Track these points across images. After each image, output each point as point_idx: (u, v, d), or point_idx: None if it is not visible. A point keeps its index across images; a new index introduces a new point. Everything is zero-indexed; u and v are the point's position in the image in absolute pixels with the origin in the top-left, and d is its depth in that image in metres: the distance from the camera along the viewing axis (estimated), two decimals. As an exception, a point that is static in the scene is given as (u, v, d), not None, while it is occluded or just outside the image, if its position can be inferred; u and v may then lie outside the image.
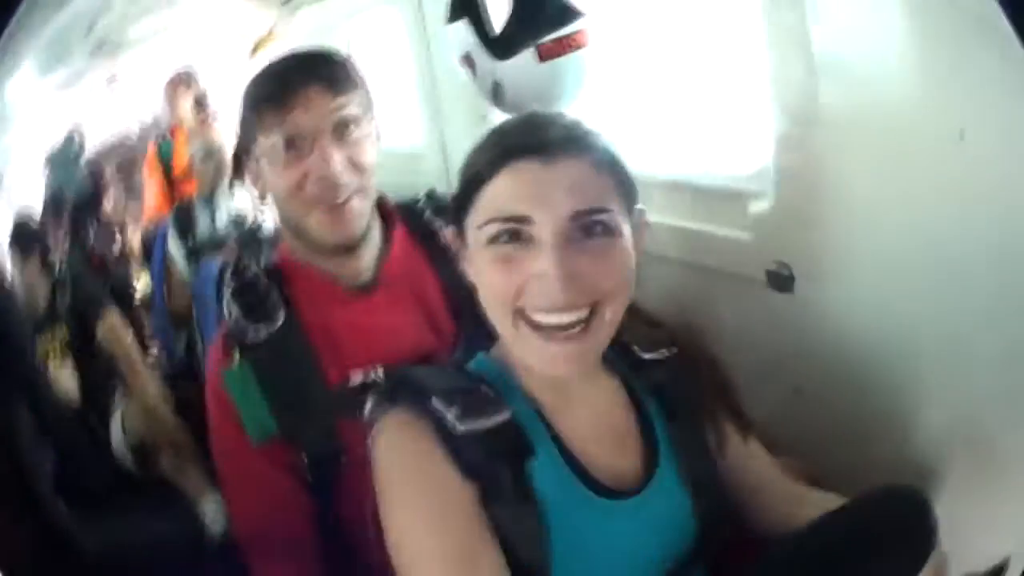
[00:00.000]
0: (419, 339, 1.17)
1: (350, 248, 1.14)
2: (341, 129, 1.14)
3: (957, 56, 1.00)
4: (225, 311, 1.17)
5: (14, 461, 1.42)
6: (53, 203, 2.05)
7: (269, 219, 1.53)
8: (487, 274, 0.90)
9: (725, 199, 1.37)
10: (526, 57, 1.42)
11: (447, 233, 1.00)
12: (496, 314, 0.91)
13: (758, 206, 1.31)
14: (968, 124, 0.99)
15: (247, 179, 1.22)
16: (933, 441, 1.18)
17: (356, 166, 1.14)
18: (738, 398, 1.09)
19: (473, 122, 1.65)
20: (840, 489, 1.09)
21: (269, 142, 1.14)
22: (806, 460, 1.18)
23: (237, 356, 1.14)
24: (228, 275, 1.18)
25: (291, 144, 1.13)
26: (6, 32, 1.39)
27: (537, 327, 0.87)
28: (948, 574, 0.94)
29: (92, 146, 2.24)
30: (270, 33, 2.33)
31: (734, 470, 1.02)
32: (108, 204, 2.22)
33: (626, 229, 0.89)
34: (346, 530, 1.12)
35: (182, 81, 2.26)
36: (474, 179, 0.91)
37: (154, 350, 1.88)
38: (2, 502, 1.35)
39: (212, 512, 1.44)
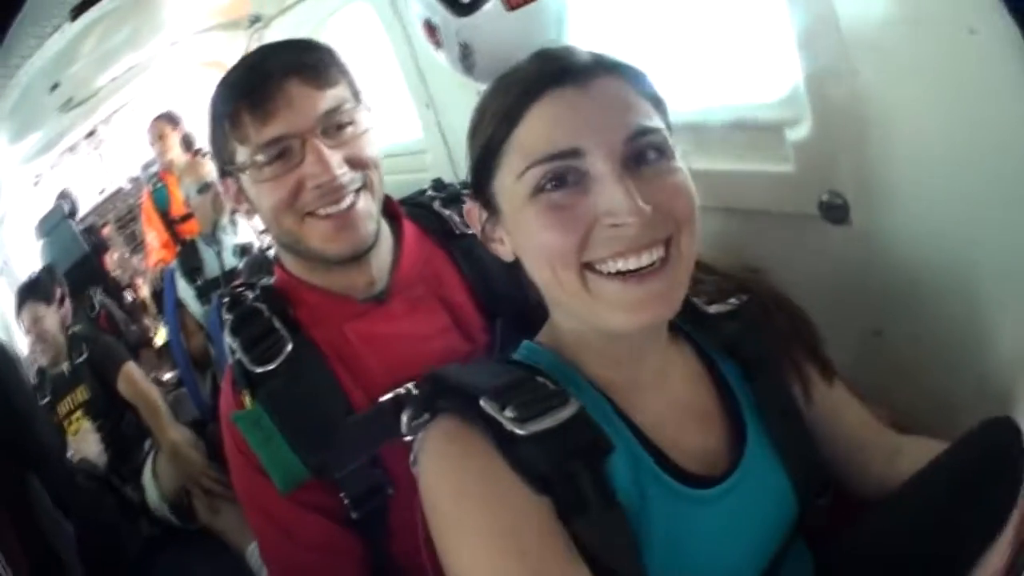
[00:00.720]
0: (449, 343, 1.01)
1: (360, 257, 1.02)
2: (333, 125, 0.96)
3: None
4: (227, 350, 1.02)
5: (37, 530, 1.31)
6: (53, 268, 2.01)
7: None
8: (538, 232, 0.75)
9: (759, 131, 1.20)
10: (493, 9, 1.22)
11: (467, 210, 0.86)
12: (557, 278, 0.76)
13: (796, 133, 1.15)
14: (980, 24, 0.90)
15: (229, 198, 1.07)
16: (1012, 363, 1.06)
17: (356, 163, 0.97)
18: (819, 342, 0.95)
19: (469, 102, 1.56)
20: (928, 428, 0.99)
21: (250, 152, 0.95)
22: (893, 403, 1.06)
23: (248, 397, 0.98)
24: (224, 309, 1.06)
25: (278, 151, 0.95)
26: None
27: (612, 276, 0.74)
28: None
29: (85, 207, 2.23)
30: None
31: (825, 424, 0.89)
32: (112, 261, 2.22)
33: (677, 150, 0.77)
34: (400, 568, 0.99)
35: (168, 123, 2.23)
36: (498, 130, 0.77)
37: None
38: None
39: (258, 560, 1.38)
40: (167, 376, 1.97)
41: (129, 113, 2.23)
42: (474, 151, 0.81)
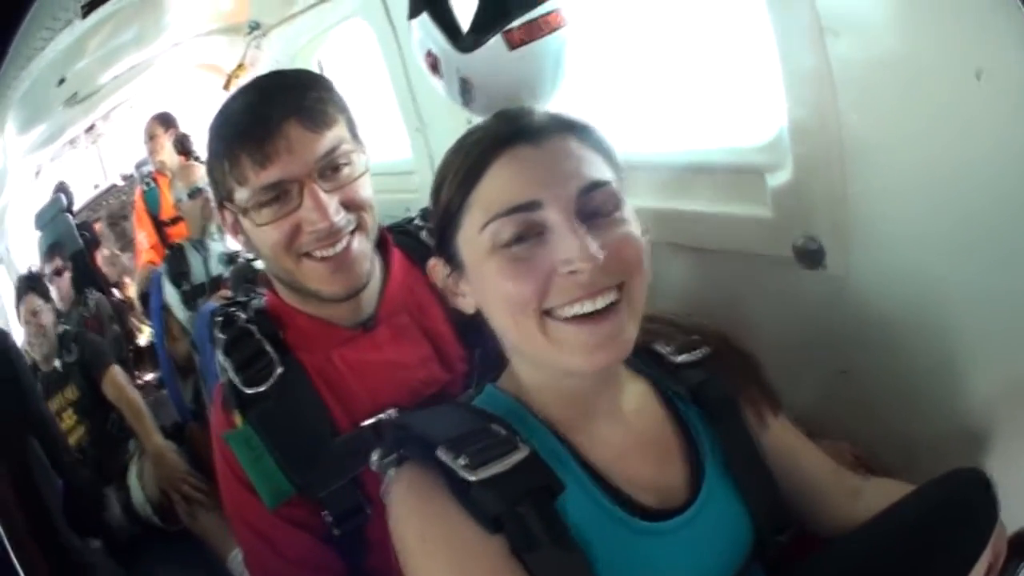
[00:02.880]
0: (429, 372, 1.06)
1: (353, 292, 1.03)
2: (330, 169, 0.99)
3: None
4: (218, 368, 1.05)
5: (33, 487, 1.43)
6: (49, 256, 2.02)
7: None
8: (500, 283, 0.80)
9: (740, 176, 1.25)
10: (495, 47, 1.25)
11: (431, 267, 0.90)
12: (518, 326, 0.81)
13: (776, 179, 1.20)
14: (985, 65, 0.92)
15: (225, 229, 1.09)
16: (982, 406, 1.11)
17: (352, 206, 1.01)
18: (769, 381, 1.01)
19: (458, 130, 1.56)
20: (894, 467, 1.05)
21: (249, 195, 0.99)
22: (856, 440, 1.12)
23: (238, 417, 1.02)
24: (217, 328, 1.07)
25: (276, 195, 0.98)
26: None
27: (569, 321, 0.79)
28: (1004, 543, 0.88)
29: (80, 202, 2.24)
30: (241, 65, 2.31)
31: (783, 465, 0.95)
32: (103, 257, 2.21)
33: (632, 212, 0.83)
34: None
35: (161, 124, 2.23)
36: (461, 186, 0.82)
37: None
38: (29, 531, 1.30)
39: (239, 565, 1.37)
40: (148, 377, 1.97)
41: (127, 111, 2.23)
42: (438, 209, 0.87)
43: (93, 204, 2.29)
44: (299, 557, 1.03)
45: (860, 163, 1.10)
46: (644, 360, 0.92)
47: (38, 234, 2.08)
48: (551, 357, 0.81)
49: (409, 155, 1.84)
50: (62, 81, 1.90)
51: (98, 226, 2.27)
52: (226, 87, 2.40)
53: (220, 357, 1.04)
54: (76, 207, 2.21)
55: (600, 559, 0.78)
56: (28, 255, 1.98)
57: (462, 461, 0.76)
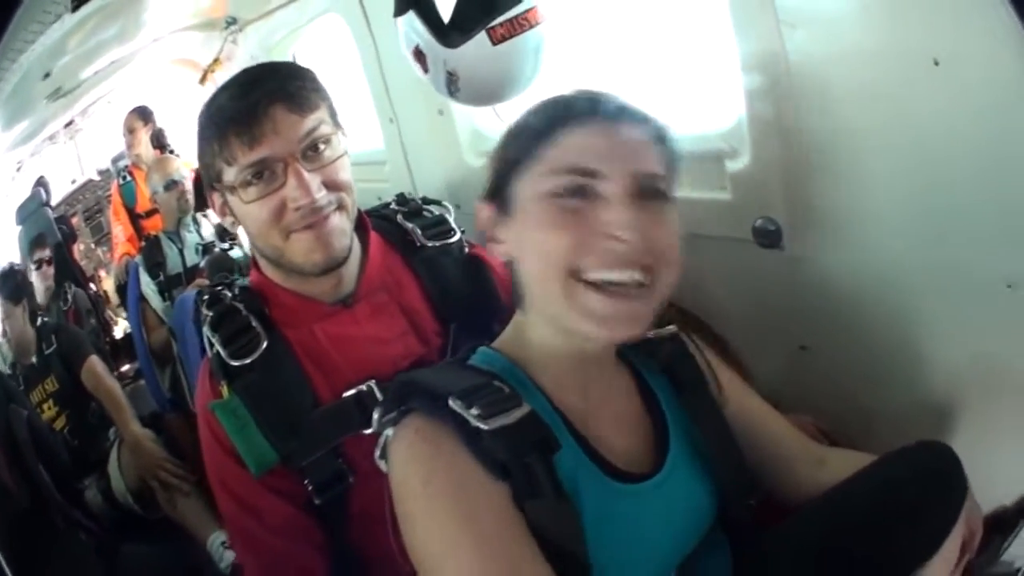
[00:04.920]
0: (407, 346, 1.07)
1: (333, 265, 1.06)
2: (313, 150, 1.01)
3: None
4: (206, 343, 1.07)
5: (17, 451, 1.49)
6: (37, 245, 2.06)
7: (237, 246, 1.48)
8: (543, 230, 0.81)
9: (701, 161, 1.28)
10: (479, 42, 1.31)
11: (478, 208, 0.91)
12: (546, 278, 0.81)
13: (735, 164, 1.24)
14: (942, 52, 0.93)
15: (215, 211, 1.11)
16: (946, 380, 1.13)
17: (334, 185, 1.02)
18: (741, 363, 1.07)
19: (430, 120, 1.61)
20: (857, 441, 1.06)
21: (237, 173, 1.00)
22: (819, 415, 1.14)
23: (225, 388, 1.02)
24: (204, 306, 1.09)
25: (262, 173, 1.00)
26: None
27: (596, 286, 0.79)
28: (979, 522, 0.89)
29: (58, 196, 2.29)
30: (216, 60, 2.33)
31: (749, 434, 0.95)
32: (79, 251, 2.28)
33: (674, 200, 0.84)
34: (359, 553, 1.04)
35: (140, 118, 2.30)
36: (532, 136, 0.83)
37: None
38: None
39: (218, 549, 1.45)
40: (125, 367, 1.99)
41: (105, 106, 2.29)
42: (505, 156, 0.88)
43: (70, 199, 2.35)
44: (281, 525, 1.02)
45: (817, 148, 1.15)
46: None
47: (19, 228, 2.11)
48: (567, 318, 0.82)
49: (381, 146, 1.92)
50: (47, 75, 1.92)
51: (75, 220, 2.33)
52: (202, 82, 2.46)
53: (207, 332, 1.05)
54: (54, 201, 2.26)
55: (585, 513, 0.80)
56: (8, 249, 2.00)
57: (475, 411, 0.77)
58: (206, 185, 1.07)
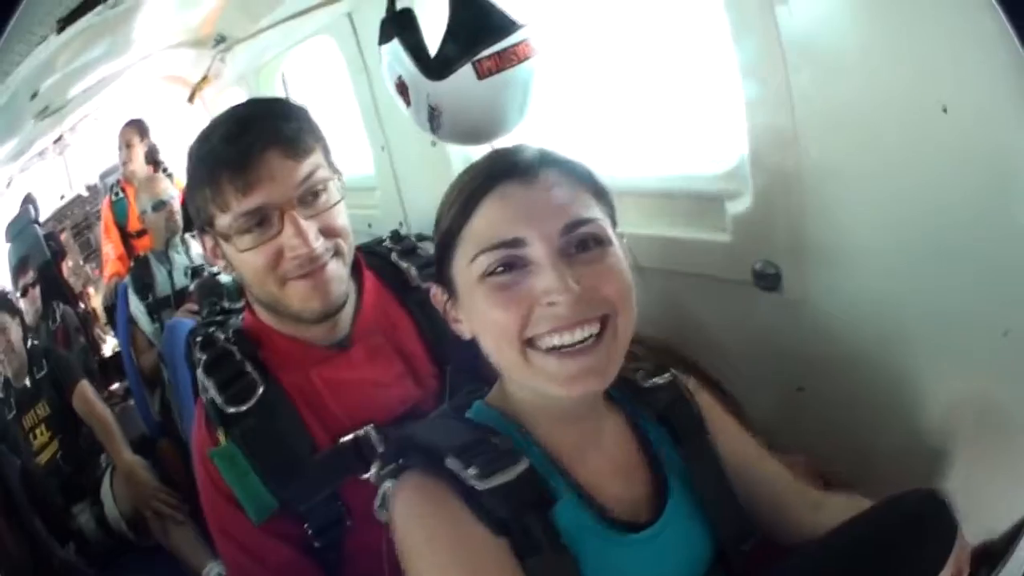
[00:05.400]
0: (403, 389, 1.10)
1: (331, 313, 1.07)
2: (310, 197, 1.02)
3: (935, 32, 0.95)
4: (200, 387, 1.08)
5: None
6: (21, 269, 2.03)
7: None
8: (487, 311, 0.83)
9: (701, 202, 1.30)
10: (464, 76, 1.27)
11: (433, 294, 0.93)
12: (504, 352, 0.84)
13: (736, 206, 1.24)
14: (950, 99, 0.93)
15: (205, 254, 1.10)
16: (942, 421, 1.14)
17: (331, 232, 1.04)
18: (741, 410, 1.06)
19: (422, 149, 1.62)
20: (854, 482, 1.06)
21: (232, 221, 1.01)
22: (814, 455, 1.15)
23: (222, 435, 1.05)
24: (197, 348, 1.09)
25: (257, 220, 1.00)
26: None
27: (550, 352, 0.82)
28: (967, 560, 0.89)
29: (46, 212, 2.25)
30: (205, 78, 2.31)
31: (745, 479, 0.97)
32: (67, 268, 2.22)
33: (615, 239, 0.86)
34: None
35: (137, 132, 2.26)
36: (455, 221, 0.86)
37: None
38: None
39: None
40: (115, 386, 1.99)
41: (93, 122, 2.25)
42: (436, 239, 0.90)
43: (59, 215, 2.30)
44: (282, 568, 1.06)
45: (819, 192, 1.15)
46: (617, 386, 0.94)
47: (7, 246, 2.08)
48: (533, 383, 0.85)
49: (371, 171, 1.90)
50: (35, 95, 1.91)
51: (63, 236, 2.29)
52: (190, 100, 2.44)
53: (202, 376, 1.08)
54: (43, 218, 2.22)
55: (585, 565, 0.82)
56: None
57: (472, 471, 0.80)
58: (196, 227, 1.07)
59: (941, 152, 0.98)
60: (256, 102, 1.12)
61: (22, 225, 2.13)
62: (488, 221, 0.82)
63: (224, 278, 1.55)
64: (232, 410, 1.03)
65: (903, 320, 1.10)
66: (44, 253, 2.15)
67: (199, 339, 1.12)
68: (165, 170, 2.17)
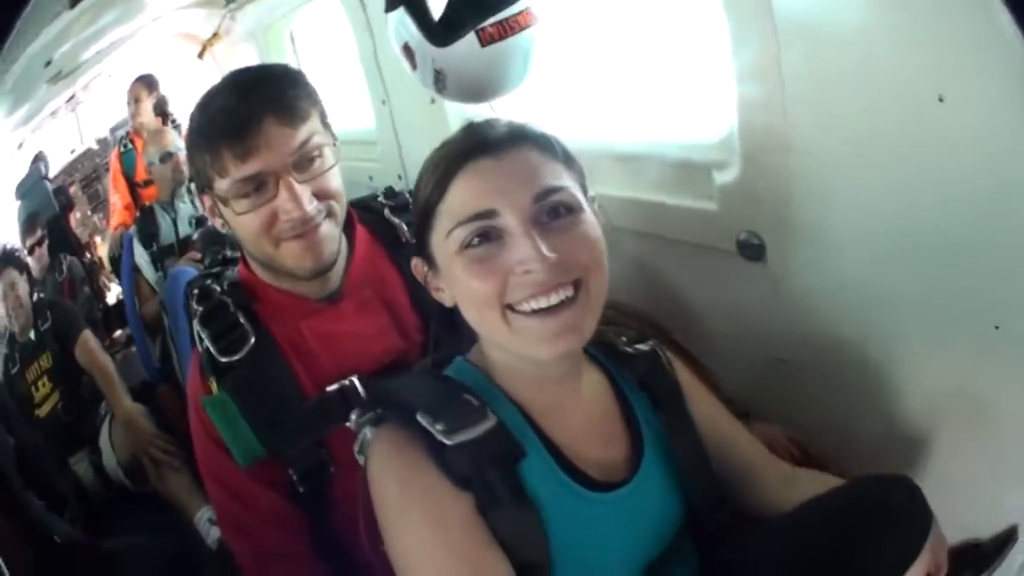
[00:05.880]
0: (389, 342, 1.13)
1: (322, 271, 1.11)
2: (305, 162, 1.05)
3: (932, 15, 0.95)
4: (196, 337, 1.12)
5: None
6: (29, 228, 2.08)
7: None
8: (466, 281, 0.87)
9: (690, 170, 1.34)
10: (468, 43, 1.33)
11: (414, 265, 0.97)
12: (485, 318, 0.88)
13: (723, 176, 1.27)
14: (947, 88, 0.94)
15: (205, 212, 1.14)
16: (925, 407, 1.17)
17: (324, 195, 1.07)
18: (716, 381, 1.10)
19: (422, 104, 1.67)
20: (831, 455, 1.12)
21: (229, 185, 1.04)
22: (793, 427, 1.19)
23: (214, 384, 1.08)
24: (194, 300, 1.14)
25: (254, 185, 1.04)
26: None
27: (530, 314, 0.85)
28: (944, 555, 0.91)
29: (57, 167, 2.29)
30: (215, 35, 2.36)
31: (721, 450, 1.01)
32: (75, 219, 2.28)
33: (585, 205, 0.89)
34: (339, 537, 1.10)
35: (145, 87, 2.31)
36: (431, 197, 0.89)
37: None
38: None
39: (205, 524, 1.51)
40: (117, 333, 2.05)
41: (107, 79, 2.30)
42: (415, 214, 0.94)
43: (69, 168, 2.34)
44: (267, 512, 1.09)
45: (809, 169, 1.15)
46: (598, 349, 0.99)
47: (18, 204, 2.13)
48: (515, 346, 0.88)
49: (372, 125, 1.96)
50: (48, 63, 1.94)
51: (72, 189, 2.33)
52: (200, 56, 2.49)
53: (197, 327, 1.11)
54: (53, 172, 2.26)
55: (551, 520, 0.85)
56: (8, 227, 2.02)
57: (440, 426, 0.83)
58: (197, 187, 1.12)
59: (936, 140, 0.99)
60: (254, 69, 1.13)
61: (31, 182, 2.18)
62: (462, 196, 0.86)
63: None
64: (225, 360, 1.07)
65: (891, 303, 1.12)
66: (53, 207, 2.20)
67: (196, 291, 1.16)
68: (174, 122, 2.24)
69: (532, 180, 0.84)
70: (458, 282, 0.87)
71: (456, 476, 0.83)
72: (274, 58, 2.40)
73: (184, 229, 2.03)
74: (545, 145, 0.88)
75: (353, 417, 0.91)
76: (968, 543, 1.04)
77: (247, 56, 2.45)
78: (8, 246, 1.92)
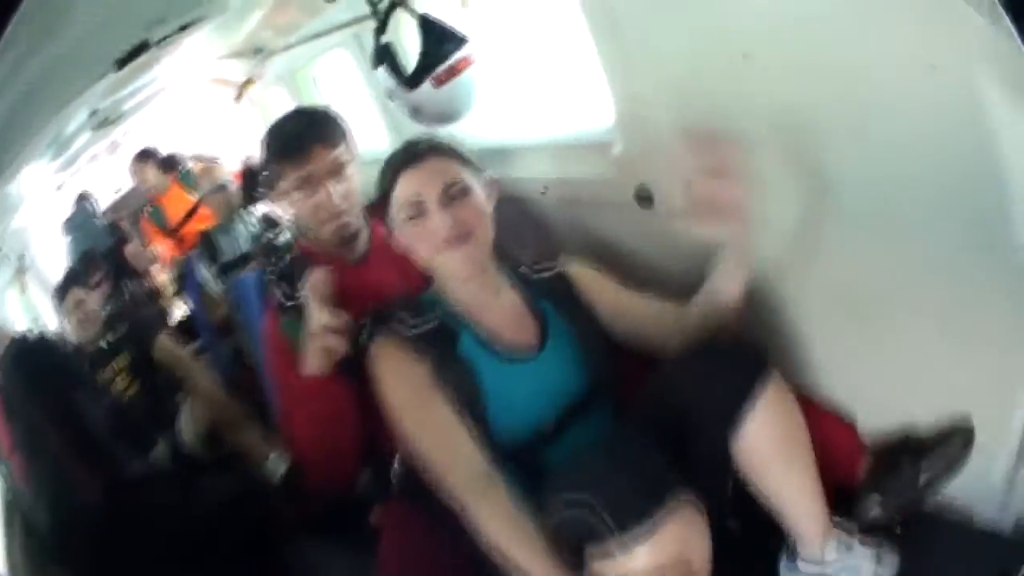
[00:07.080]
0: (397, 287, 1.50)
1: (349, 240, 1.58)
2: (338, 172, 1.54)
3: None
4: (271, 293, 1.54)
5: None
6: (85, 259, 2.37)
7: (280, 235, 1.89)
8: (410, 240, 1.33)
9: (594, 149, 1.74)
10: (427, 86, 1.88)
11: (383, 231, 1.43)
12: (425, 257, 1.33)
13: (618, 149, 1.66)
14: (938, 60, 1.00)
15: (273, 204, 1.80)
16: (812, 311, 1.44)
17: (349, 194, 1.56)
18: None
19: (421, 128, 2.03)
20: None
21: (289, 184, 1.54)
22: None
23: (283, 319, 1.49)
24: (267, 271, 1.62)
25: (305, 185, 1.53)
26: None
27: (444, 256, 1.31)
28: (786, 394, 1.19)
29: (105, 204, 2.66)
30: (249, 80, 2.83)
31: (631, 321, 1.43)
32: (129, 252, 2.61)
33: (478, 189, 1.34)
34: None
35: (139, 161, 2.66)
36: (385, 189, 1.35)
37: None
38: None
39: (273, 464, 1.80)
40: (187, 348, 2.30)
41: (146, 122, 2.67)
42: (378, 199, 1.40)
43: (115, 206, 2.69)
44: (319, 384, 1.39)
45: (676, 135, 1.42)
46: (515, 274, 1.45)
47: (67, 239, 2.46)
48: (442, 259, 1.31)
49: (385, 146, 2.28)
50: (94, 113, 2.23)
51: (123, 224, 2.67)
52: (238, 99, 2.92)
53: (271, 286, 1.54)
54: (100, 210, 2.62)
55: (483, 379, 1.30)
56: (54, 262, 2.29)
57: (403, 326, 1.31)
58: (264, 189, 1.67)
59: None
60: (304, 112, 1.77)
61: (80, 220, 2.53)
62: (402, 189, 1.32)
63: (280, 239, 1.90)
64: (290, 304, 1.48)
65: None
66: (105, 242, 2.55)
67: (268, 265, 1.64)
68: (182, 170, 2.64)
69: (444, 175, 1.30)
70: (405, 239, 1.34)
71: (417, 351, 1.29)
72: (304, 97, 2.87)
73: (244, 247, 2.32)
74: (450, 153, 1.34)
75: (363, 335, 1.34)
76: (904, 430, 1.29)
77: (279, 97, 2.96)
78: (71, 268, 2.24)
